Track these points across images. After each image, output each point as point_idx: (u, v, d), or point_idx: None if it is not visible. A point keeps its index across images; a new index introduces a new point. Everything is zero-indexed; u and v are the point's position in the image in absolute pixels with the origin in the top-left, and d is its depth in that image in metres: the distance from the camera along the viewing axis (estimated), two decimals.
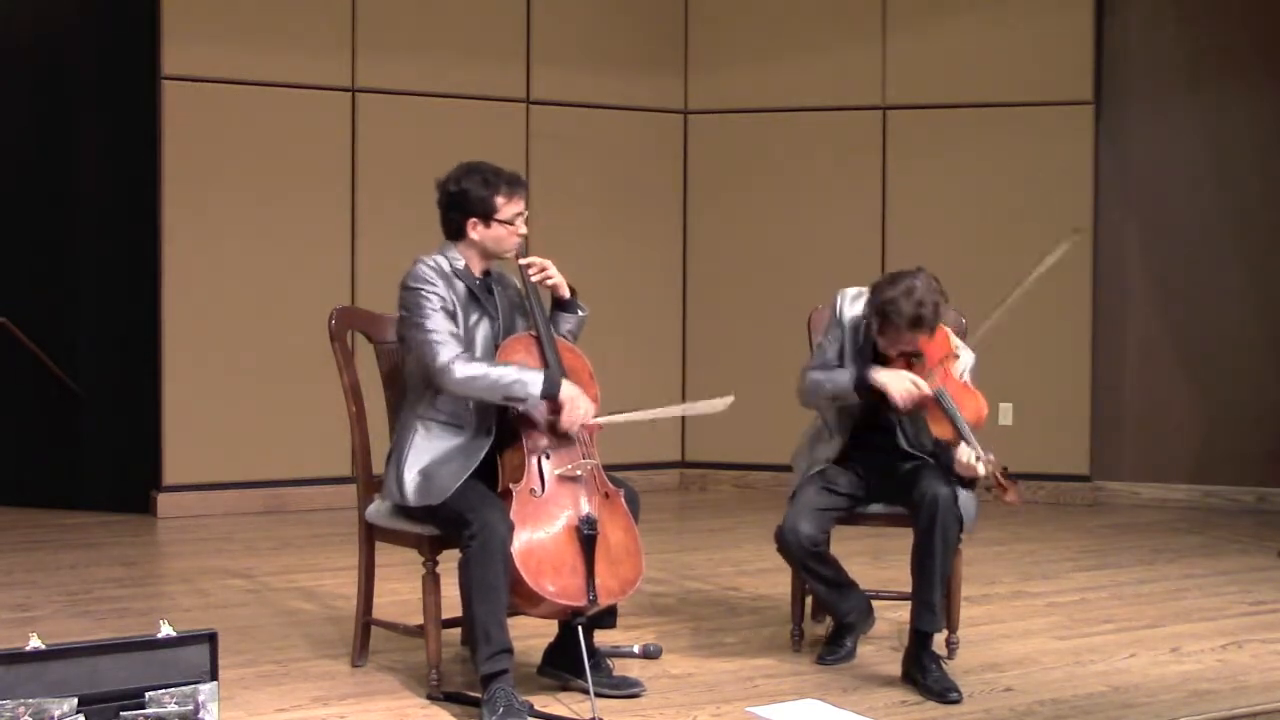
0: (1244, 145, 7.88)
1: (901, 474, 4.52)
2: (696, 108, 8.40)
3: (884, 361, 4.48)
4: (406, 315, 4.21)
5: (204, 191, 7.30)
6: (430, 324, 4.14)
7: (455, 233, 4.26)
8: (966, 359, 4.54)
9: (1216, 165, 7.91)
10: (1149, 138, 7.99)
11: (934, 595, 4.34)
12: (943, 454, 4.45)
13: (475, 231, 4.23)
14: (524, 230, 4.28)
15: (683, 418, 8.39)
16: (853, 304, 4.60)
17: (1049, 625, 5.17)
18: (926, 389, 4.35)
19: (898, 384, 4.38)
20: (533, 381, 4.08)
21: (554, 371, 4.15)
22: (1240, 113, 7.88)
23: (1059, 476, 7.94)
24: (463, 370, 4.08)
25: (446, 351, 4.10)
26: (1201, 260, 7.92)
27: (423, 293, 4.17)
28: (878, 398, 4.43)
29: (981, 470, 4.27)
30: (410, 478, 4.17)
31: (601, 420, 4.23)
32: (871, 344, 4.53)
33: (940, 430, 4.38)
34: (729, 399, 4.29)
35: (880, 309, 4.36)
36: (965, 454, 4.29)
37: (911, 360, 4.44)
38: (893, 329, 4.36)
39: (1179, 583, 5.94)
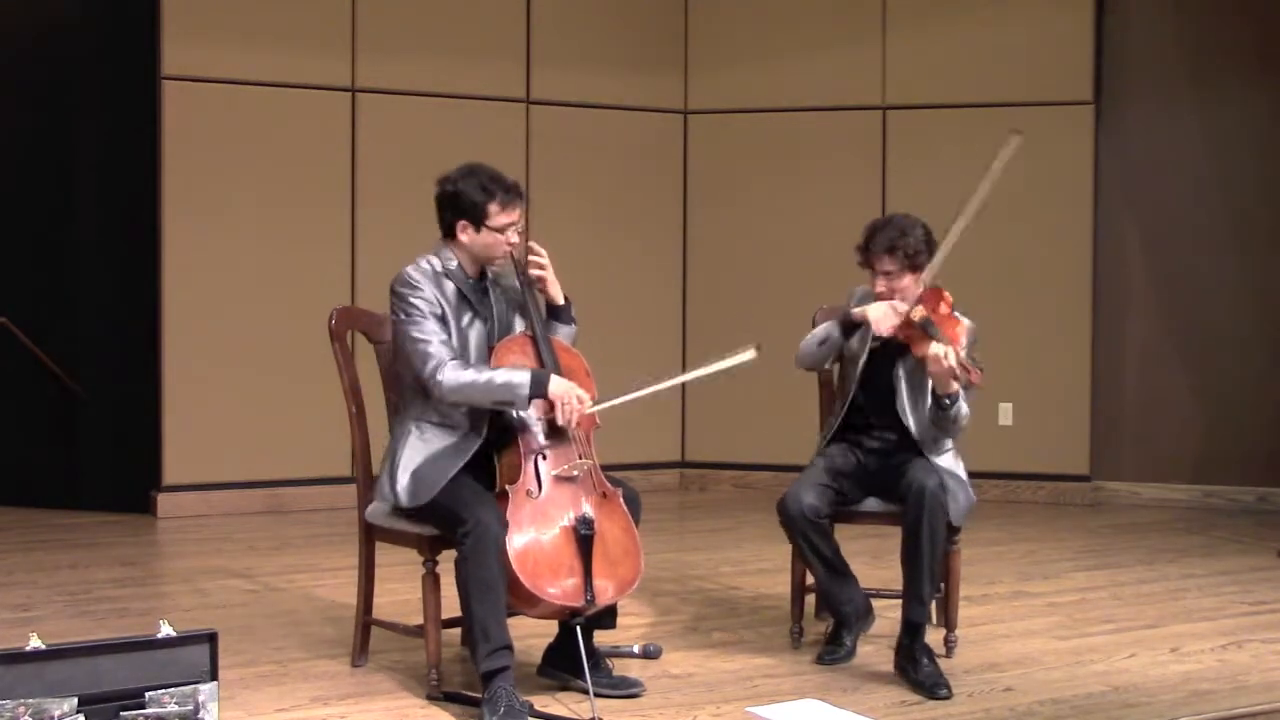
0: (1244, 145, 7.88)
1: (892, 467, 4.56)
2: (696, 108, 8.40)
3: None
4: (396, 320, 4.20)
5: (204, 191, 7.30)
6: (419, 331, 4.12)
7: (447, 232, 4.25)
8: (964, 322, 4.60)
9: (1216, 165, 7.91)
10: (1149, 138, 7.99)
11: (924, 587, 4.39)
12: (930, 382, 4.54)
13: (465, 234, 4.21)
14: (515, 239, 4.24)
15: (683, 421, 8.41)
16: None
17: (1049, 625, 5.17)
18: (903, 309, 4.51)
19: (876, 310, 4.56)
20: (520, 384, 4.05)
21: (542, 370, 4.13)
22: (1240, 112, 7.88)
23: (1059, 476, 7.94)
24: (452, 377, 4.07)
25: (435, 359, 4.08)
26: (1201, 260, 7.92)
27: (409, 298, 4.15)
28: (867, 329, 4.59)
29: (951, 359, 4.34)
30: (403, 480, 4.17)
31: (600, 407, 4.20)
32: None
33: (920, 349, 4.47)
34: (750, 354, 4.27)
35: (865, 228, 4.67)
36: (937, 349, 4.38)
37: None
38: (864, 243, 4.63)
39: (1179, 583, 5.94)
